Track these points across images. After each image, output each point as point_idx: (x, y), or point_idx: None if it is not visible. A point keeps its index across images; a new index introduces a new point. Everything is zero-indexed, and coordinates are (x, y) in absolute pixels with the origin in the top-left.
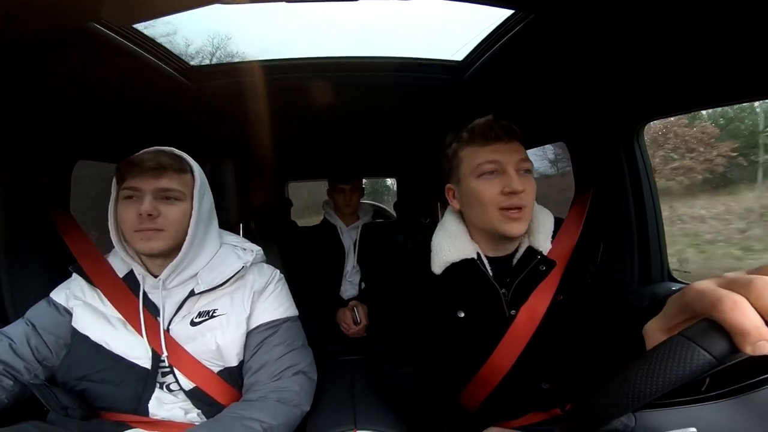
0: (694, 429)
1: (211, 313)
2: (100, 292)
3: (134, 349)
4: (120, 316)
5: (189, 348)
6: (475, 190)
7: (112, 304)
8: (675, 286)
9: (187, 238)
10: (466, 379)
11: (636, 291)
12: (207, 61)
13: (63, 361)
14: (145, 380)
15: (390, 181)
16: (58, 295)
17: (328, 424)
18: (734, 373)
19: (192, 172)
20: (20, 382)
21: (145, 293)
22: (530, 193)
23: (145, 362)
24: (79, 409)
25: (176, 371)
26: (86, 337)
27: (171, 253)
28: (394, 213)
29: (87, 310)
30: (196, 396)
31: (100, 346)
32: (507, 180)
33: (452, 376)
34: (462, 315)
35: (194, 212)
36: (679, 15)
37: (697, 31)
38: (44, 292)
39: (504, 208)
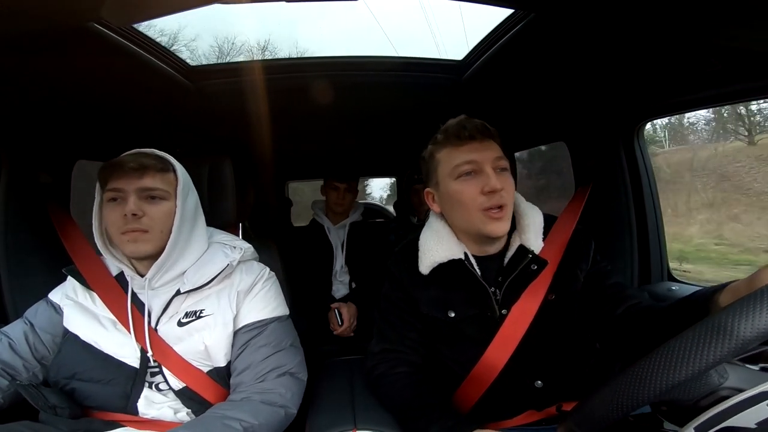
0: None
1: (198, 314)
2: (92, 292)
3: (123, 348)
4: (110, 316)
5: (177, 348)
6: (455, 191)
7: (105, 304)
8: (675, 286)
9: (171, 237)
10: (460, 378)
11: (638, 294)
12: (207, 61)
13: (54, 360)
14: (134, 379)
15: None
16: (55, 294)
17: (328, 424)
18: None
19: (175, 171)
20: (17, 381)
21: (134, 293)
22: (509, 191)
23: (134, 361)
24: (68, 408)
25: (165, 371)
26: (76, 337)
27: (159, 254)
28: (393, 212)
29: (78, 310)
30: (185, 395)
31: (90, 345)
32: (485, 179)
33: (446, 376)
34: (452, 315)
35: (178, 211)
36: (677, 14)
37: (697, 30)
38: (44, 292)
39: (486, 208)
